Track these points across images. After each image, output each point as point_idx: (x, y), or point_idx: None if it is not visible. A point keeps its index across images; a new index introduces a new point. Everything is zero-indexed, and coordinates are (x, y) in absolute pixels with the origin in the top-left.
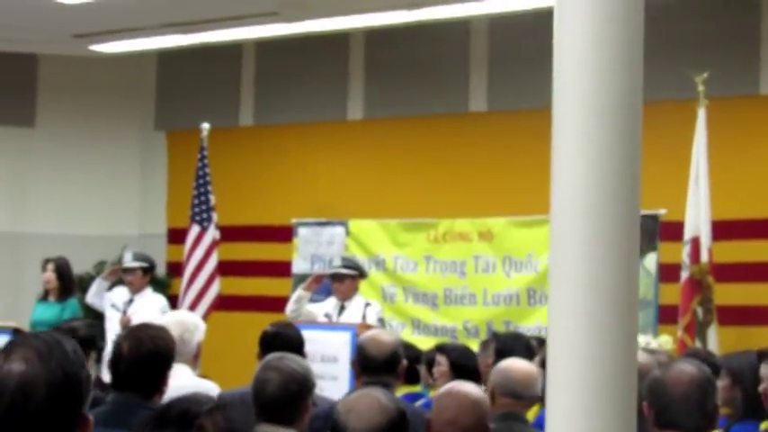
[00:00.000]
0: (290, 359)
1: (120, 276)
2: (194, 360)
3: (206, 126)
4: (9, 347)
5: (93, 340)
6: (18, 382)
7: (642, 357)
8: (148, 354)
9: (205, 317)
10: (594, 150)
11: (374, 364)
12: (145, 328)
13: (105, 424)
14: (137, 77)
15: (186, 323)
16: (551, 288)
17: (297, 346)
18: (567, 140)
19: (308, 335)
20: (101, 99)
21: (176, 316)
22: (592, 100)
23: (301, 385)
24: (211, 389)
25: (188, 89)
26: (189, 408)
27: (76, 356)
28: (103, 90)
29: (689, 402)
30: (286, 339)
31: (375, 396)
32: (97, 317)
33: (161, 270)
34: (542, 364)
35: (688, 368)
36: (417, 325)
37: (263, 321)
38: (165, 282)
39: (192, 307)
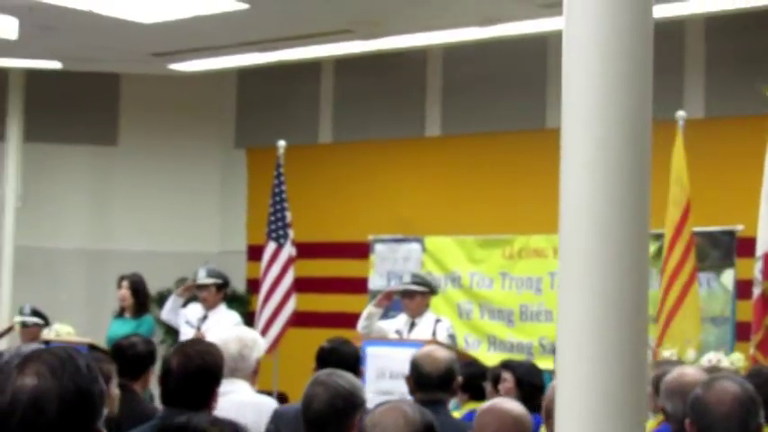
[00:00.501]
0: (338, 375)
1: (194, 293)
2: (253, 376)
3: (282, 144)
4: (22, 362)
5: (151, 356)
6: (30, 396)
7: (693, 374)
8: (197, 369)
9: (281, 333)
10: (602, 165)
11: (428, 381)
12: (193, 343)
13: None
14: (217, 95)
15: (245, 339)
16: (560, 301)
17: (352, 362)
18: (575, 156)
19: (377, 351)
20: (181, 117)
21: (235, 332)
22: (601, 115)
23: (347, 402)
24: (269, 404)
25: (268, 107)
26: (188, 421)
27: (89, 371)
28: (184, 108)
29: (730, 421)
30: (341, 355)
31: (402, 409)
32: (172, 333)
33: (240, 287)
34: None
35: (731, 386)
36: (493, 342)
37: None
38: (245, 298)
39: (269, 323)
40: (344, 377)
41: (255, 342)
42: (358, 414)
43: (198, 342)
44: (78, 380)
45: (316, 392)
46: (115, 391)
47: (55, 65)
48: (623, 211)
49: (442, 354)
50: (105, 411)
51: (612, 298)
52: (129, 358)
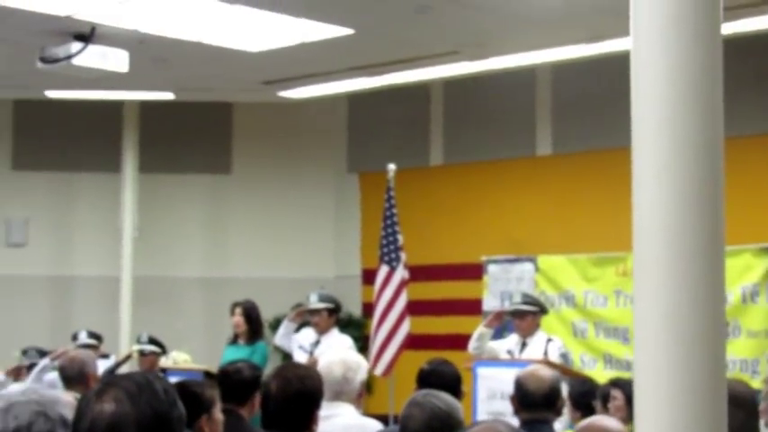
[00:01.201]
0: (434, 396)
1: (306, 318)
2: (358, 399)
3: (392, 167)
4: (100, 388)
5: (257, 381)
6: (108, 422)
7: None
8: (296, 393)
9: (396, 356)
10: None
11: (533, 400)
12: (292, 367)
13: None
14: (328, 121)
15: (349, 362)
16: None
17: (452, 383)
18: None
19: (488, 372)
20: (294, 144)
21: (340, 355)
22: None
23: (444, 423)
24: (374, 427)
25: (379, 131)
26: None
27: (167, 396)
28: (296, 135)
29: None
30: (441, 376)
31: (496, 428)
32: (289, 358)
33: (356, 311)
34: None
35: None
36: (609, 360)
37: (455, 360)
38: (361, 322)
39: (383, 347)
40: (441, 397)
41: (359, 365)
42: None
43: (297, 366)
44: (156, 404)
45: (412, 414)
46: (218, 415)
47: (167, 96)
48: (696, 224)
49: (546, 373)
50: None
51: (687, 310)
52: (235, 384)
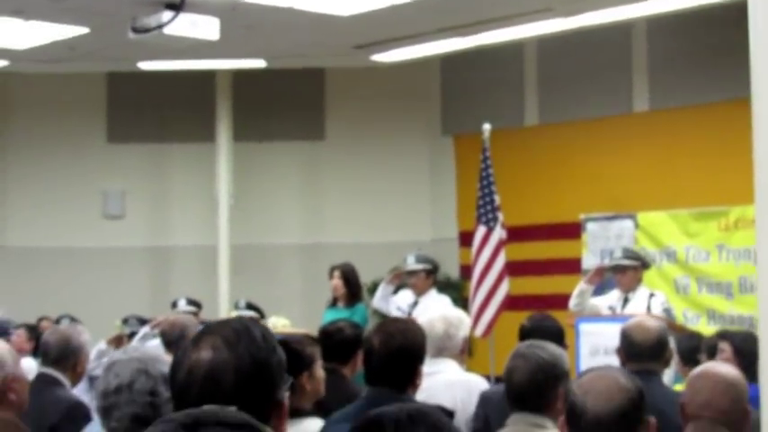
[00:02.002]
0: (537, 346)
1: (404, 280)
2: (460, 355)
3: (487, 127)
4: (198, 336)
5: (358, 339)
6: (207, 369)
7: None
8: (399, 348)
9: (495, 317)
10: None
11: (639, 351)
12: (395, 322)
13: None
14: (421, 84)
15: (450, 318)
16: (760, 278)
17: (555, 337)
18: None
19: (591, 328)
20: (387, 107)
21: (441, 312)
22: None
23: (548, 373)
24: (478, 382)
25: (472, 92)
26: (382, 414)
27: (266, 342)
28: (389, 98)
29: None
30: (544, 331)
31: (613, 376)
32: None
33: (454, 273)
34: None
35: None
36: (712, 315)
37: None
38: (459, 285)
39: (482, 308)
40: (545, 348)
41: (461, 321)
42: (561, 385)
43: (399, 321)
44: (254, 351)
45: (516, 365)
46: (320, 373)
47: (259, 63)
48: None
49: (653, 324)
50: (288, 381)
51: None
52: (337, 343)
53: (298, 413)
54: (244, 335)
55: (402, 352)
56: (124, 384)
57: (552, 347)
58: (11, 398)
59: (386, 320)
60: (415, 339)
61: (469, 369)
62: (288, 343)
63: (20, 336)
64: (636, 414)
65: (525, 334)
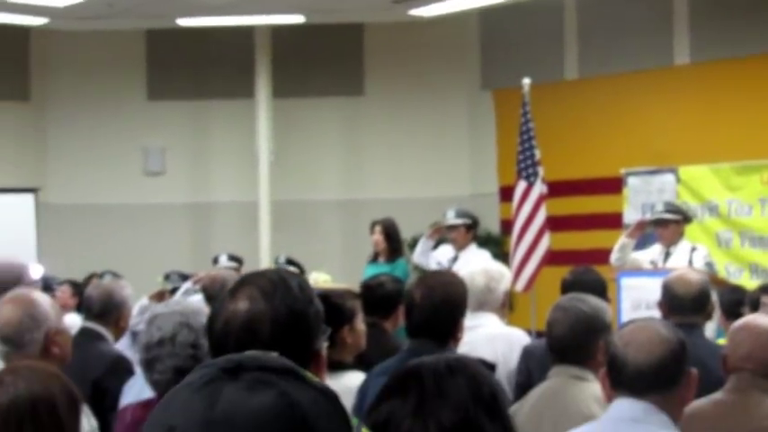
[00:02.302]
0: (578, 299)
1: (444, 234)
2: (501, 308)
3: (527, 81)
4: (235, 287)
5: (399, 294)
6: (243, 320)
7: None
8: (440, 301)
9: (536, 272)
10: None
11: (681, 304)
12: (436, 275)
13: None
14: (460, 38)
15: (491, 272)
16: None
17: (598, 290)
18: None
19: (632, 282)
20: (426, 62)
21: (482, 266)
22: None
23: (589, 325)
24: (519, 336)
25: (511, 46)
26: (421, 364)
27: (302, 292)
28: (428, 53)
29: None
30: (586, 285)
31: (654, 327)
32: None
33: (494, 228)
34: None
35: None
36: (755, 270)
37: None
38: (499, 239)
39: (523, 263)
40: (586, 301)
41: (502, 275)
42: (602, 337)
43: (440, 274)
44: (290, 301)
45: (556, 318)
46: (361, 326)
47: (298, 19)
48: None
49: (695, 276)
50: (326, 332)
51: None
52: (378, 297)
53: (339, 366)
54: (280, 285)
55: (443, 305)
56: (166, 337)
57: (593, 300)
58: (54, 351)
59: (427, 274)
60: (457, 292)
61: (511, 324)
62: (328, 297)
63: (64, 292)
64: (677, 366)
65: (567, 287)
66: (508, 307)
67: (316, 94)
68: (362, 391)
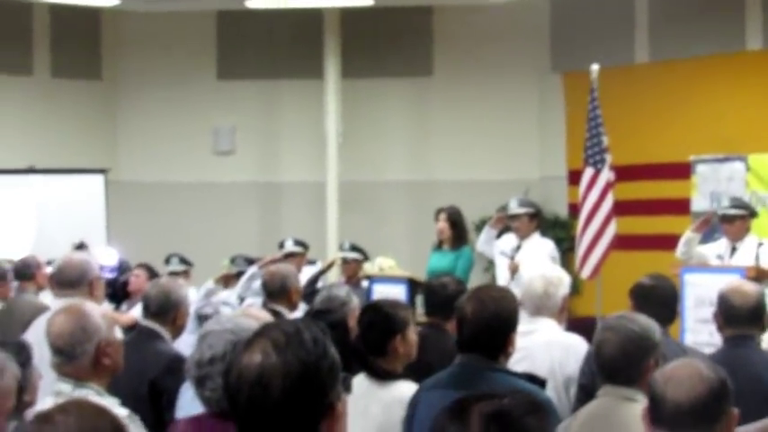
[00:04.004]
0: (627, 319)
1: (507, 223)
2: (559, 314)
3: (595, 67)
4: (251, 339)
5: (462, 294)
6: (256, 374)
7: None
8: (491, 316)
9: (603, 258)
10: None
11: (738, 316)
12: (488, 289)
13: (451, 386)
14: (530, 20)
15: (550, 278)
16: None
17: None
18: None
19: (696, 279)
20: (495, 44)
21: (540, 270)
22: None
23: (639, 346)
24: (576, 344)
25: (582, 29)
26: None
27: (316, 346)
28: (497, 35)
29: None
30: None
31: (695, 365)
32: (490, 264)
33: (562, 212)
34: None
35: None
36: None
37: (663, 260)
38: (567, 223)
39: (590, 248)
40: (635, 320)
41: (561, 280)
42: (651, 357)
43: (492, 288)
44: (303, 355)
45: (606, 338)
46: (413, 336)
47: (367, 1)
48: None
49: (751, 287)
50: (343, 379)
51: None
52: (441, 299)
53: (389, 376)
54: (294, 339)
55: (494, 320)
56: (218, 355)
57: (642, 319)
58: (105, 362)
59: (479, 288)
60: (508, 308)
61: (577, 310)
62: (381, 307)
63: (138, 276)
64: (717, 404)
65: (640, 296)
66: (566, 312)
67: (384, 74)
68: (413, 403)
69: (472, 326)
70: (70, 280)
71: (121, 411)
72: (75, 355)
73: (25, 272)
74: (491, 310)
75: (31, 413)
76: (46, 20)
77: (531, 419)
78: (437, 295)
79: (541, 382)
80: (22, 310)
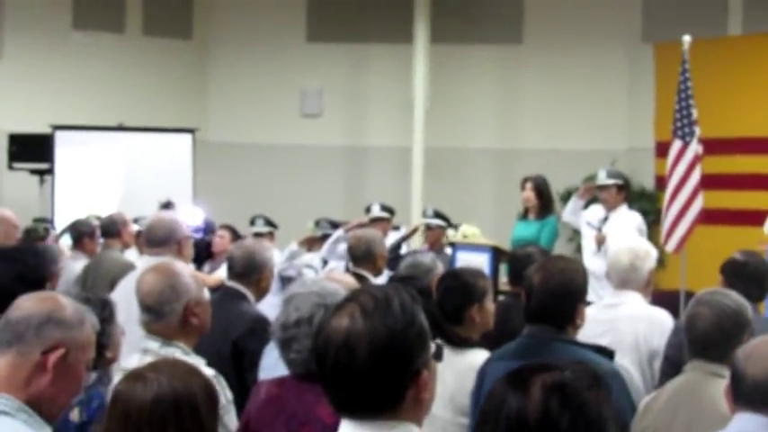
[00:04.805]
0: (721, 294)
1: (594, 194)
2: (646, 287)
3: (687, 39)
4: (341, 303)
5: None
6: (342, 337)
7: None
8: (559, 286)
9: (689, 231)
10: None
11: None
12: (555, 260)
13: (519, 356)
14: None
15: (637, 250)
16: None
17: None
18: None
19: None
20: (586, 13)
21: (627, 243)
22: None
23: (733, 322)
24: (661, 317)
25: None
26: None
27: (403, 313)
28: (588, 4)
29: None
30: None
31: None
32: (576, 234)
33: (649, 183)
34: None
35: None
36: None
37: (750, 236)
38: (654, 195)
39: (676, 221)
40: (729, 296)
41: (648, 253)
42: (744, 334)
43: (560, 259)
44: (390, 322)
45: (699, 312)
46: (490, 306)
47: None
48: None
49: None
50: (435, 349)
51: None
52: (525, 268)
53: (465, 343)
54: (381, 304)
55: (562, 291)
56: (304, 318)
57: (735, 295)
58: (193, 322)
59: (548, 258)
60: (576, 279)
61: (661, 284)
62: (460, 275)
63: (223, 236)
64: None
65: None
66: (652, 285)
67: (474, 41)
68: (481, 373)
69: (539, 296)
70: (159, 238)
71: (208, 371)
72: (163, 313)
73: (111, 229)
74: (558, 280)
75: (113, 369)
76: None
77: (591, 393)
78: (522, 264)
79: (609, 354)
80: (108, 266)
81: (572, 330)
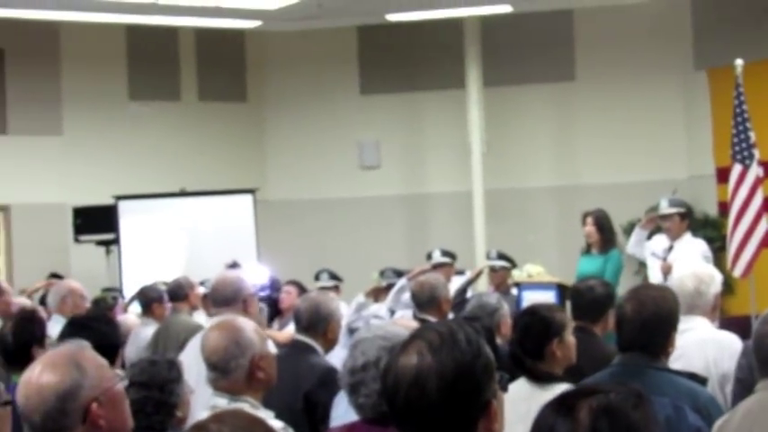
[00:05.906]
0: None
1: (658, 224)
2: (712, 312)
3: (740, 62)
4: (407, 341)
5: (609, 298)
6: (412, 375)
7: None
8: (651, 315)
9: (755, 256)
10: None
11: None
12: (646, 288)
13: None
14: (671, 19)
15: (701, 276)
16: None
17: None
18: None
19: None
20: (637, 45)
21: (692, 269)
22: None
23: None
24: (730, 340)
25: (724, 24)
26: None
27: (469, 345)
28: (638, 36)
29: None
30: None
31: None
32: (641, 266)
33: (712, 210)
34: None
35: None
36: None
37: None
38: (717, 222)
39: (740, 248)
40: None
41: (712, 278)
42: None
43: (652, 287)
44: (458, 355)
45: (767, 331)
46: (570, 339)
47: (505, 9)
48: None
49: None
50: (499, 379)
51: None
52: (588, 302)
53: (549, 378)
54: (448, 340)
55: (655, 319)
56: (370, 362)
57: None
58: (259, 376)
59: (639, 286)
60: (668, 306)
61: (730, 309)
62: (537, 311)
63: (289, 292)
64: None
65: None
66: (719, 309)
67: (526, 81)
68: None
69: (632, 325)
70: (225, 297)
71: (276, 423)
72: (229, 369)
73: (179, 293)
74: (651, 309)
75: (184, 429)
76: (192, 44)
77: (637, 413)
78: (584, 298)
79: (702, 381)
80: (178, 329)
81: (664, 358)
